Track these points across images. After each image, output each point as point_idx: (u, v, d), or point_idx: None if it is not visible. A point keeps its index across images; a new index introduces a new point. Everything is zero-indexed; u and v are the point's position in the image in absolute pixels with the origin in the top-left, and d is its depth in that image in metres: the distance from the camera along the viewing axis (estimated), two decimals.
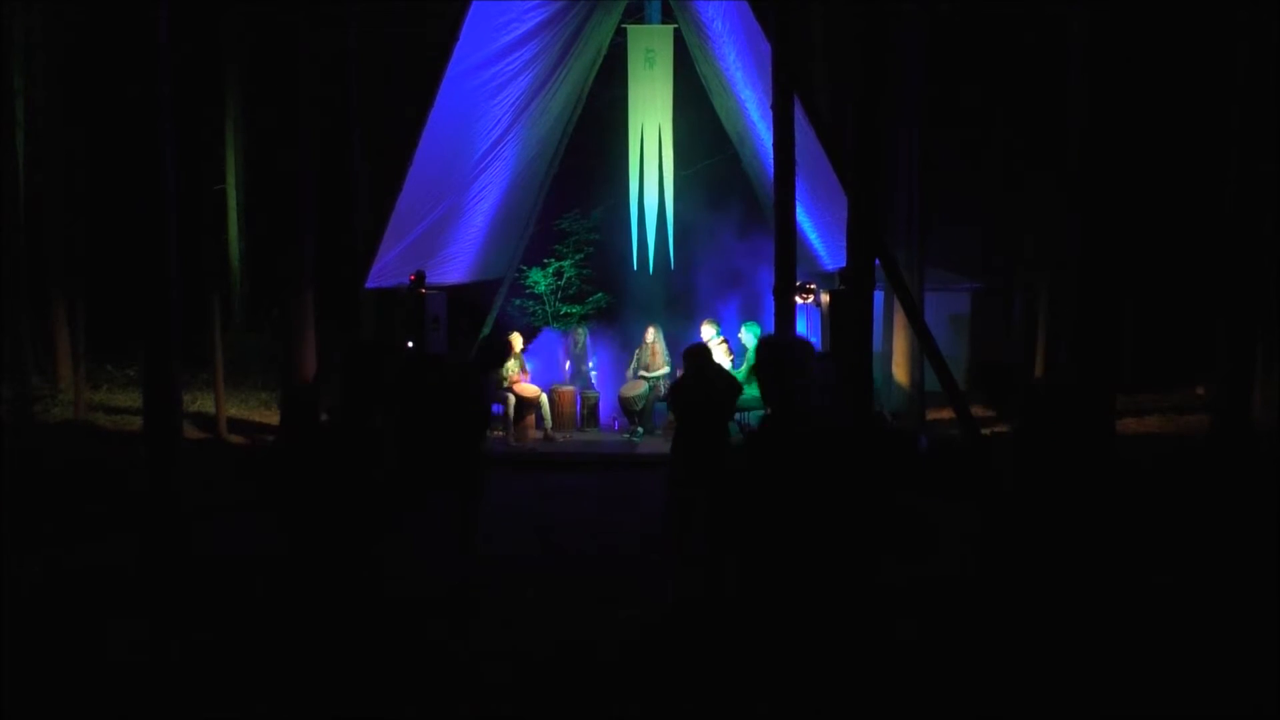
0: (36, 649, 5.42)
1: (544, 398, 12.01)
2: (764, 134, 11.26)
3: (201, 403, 14.40)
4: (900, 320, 12.32)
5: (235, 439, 12.40)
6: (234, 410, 13.89)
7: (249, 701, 4.62)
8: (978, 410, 8.95)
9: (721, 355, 11.69)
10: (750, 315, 12.41)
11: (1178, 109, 15.47)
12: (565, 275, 15.08)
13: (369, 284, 10.59)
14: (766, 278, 10.08)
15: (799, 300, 9.87)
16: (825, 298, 10.81)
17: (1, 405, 12.70)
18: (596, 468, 10.63)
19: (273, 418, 13.92)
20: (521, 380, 11.86)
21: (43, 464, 10.15)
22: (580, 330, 13.12)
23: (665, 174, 12.82)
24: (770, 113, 8.37)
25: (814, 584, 3.34)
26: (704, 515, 6.23)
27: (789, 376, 3.48)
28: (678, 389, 6.68)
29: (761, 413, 3.75)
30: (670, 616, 5.88)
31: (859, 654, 3.41)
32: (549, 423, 12.00)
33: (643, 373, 12.25)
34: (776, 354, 3.56)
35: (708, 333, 11.89)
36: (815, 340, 11.17)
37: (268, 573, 5.39)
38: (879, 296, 11.62)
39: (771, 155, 8.20)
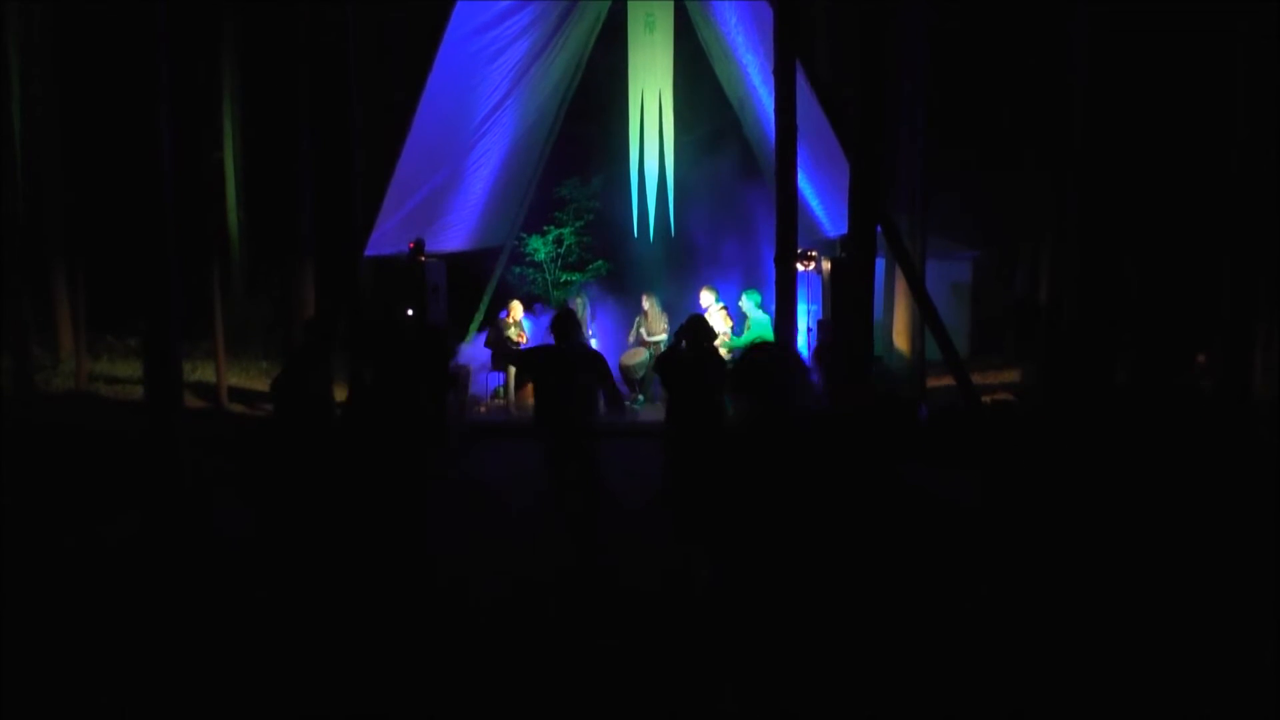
0: (35, 631, 5.40)
1: None
2: (765, 99, 11.17)
3: (202, 371, 14.41)
4: (901, 288, 12.28)
5: (237, 408, 12.42)
6: (235, 379, 13.89)
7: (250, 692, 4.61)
8: (979, 377, 8.97)
9: (720, 322, 11.68)
10: (751, 282, 12.37)
11: (1181, 76, 15.33)
12: (565, 243, 15.01)
13: (368, 252, 10.54)
14: (767, 245, 10.05)
15: (800, 268, 9.84)
16: (826, 265, 10.77)
17: (2, 375, 12.70)
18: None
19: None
20: (522, 348, 11.87)
21: (46, 435, 10.16)
22: (580, 298, 13.08)
23: (666, 140, 12.72)
24: (772, 78, 8.30)
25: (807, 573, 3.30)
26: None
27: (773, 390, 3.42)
28: (673, 364, 6.54)
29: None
30: (672, 594, 5.87)
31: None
32: None
33: (644, 333, 12.25)
34: (759, 367, 3.49)
35: (707, 299, 11.86)
36: (816, 309, 11.15)
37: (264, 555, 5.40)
38: (880, 264, 11.59)
39: (773, 121, 8.14)
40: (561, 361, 6.58)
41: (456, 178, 11.62)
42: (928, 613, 5.15)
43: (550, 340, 6.85)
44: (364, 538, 4.46)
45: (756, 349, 3.69)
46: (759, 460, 3.37)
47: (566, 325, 6.70)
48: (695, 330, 6.39)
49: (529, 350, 7.03)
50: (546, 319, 13.40)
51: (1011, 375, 15.25)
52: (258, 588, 5.70)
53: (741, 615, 3.38)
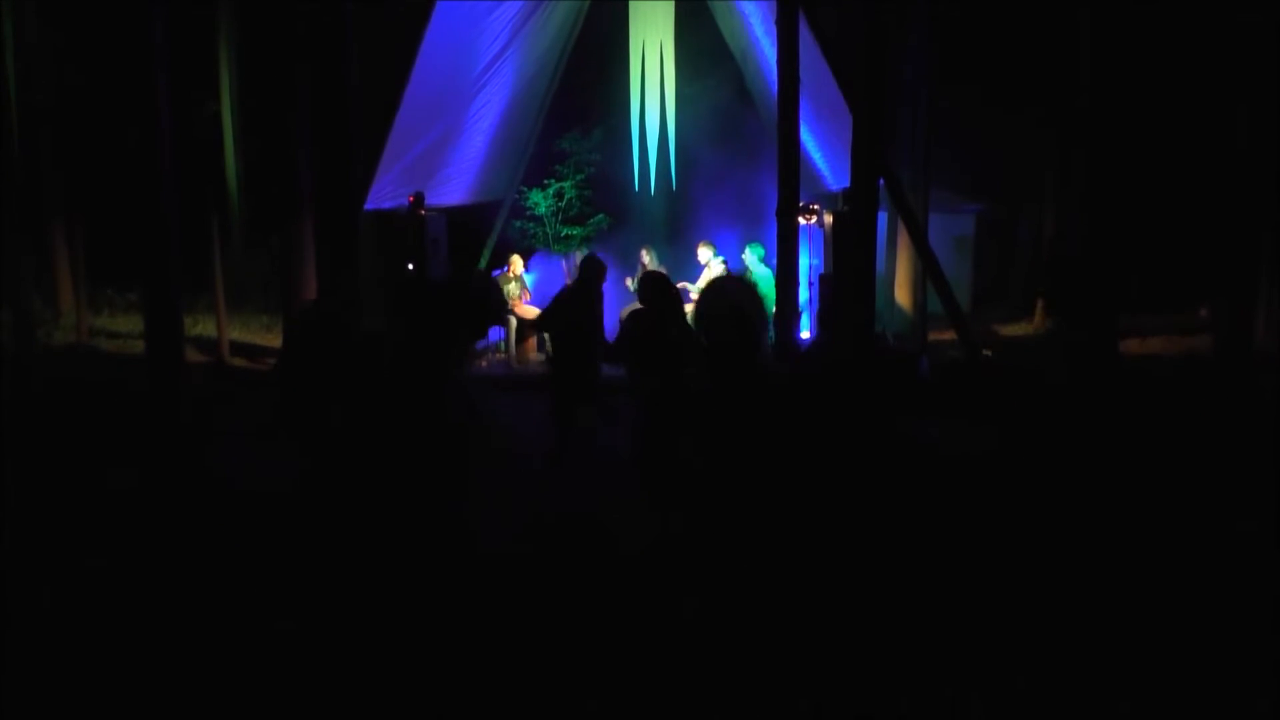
0: (39, 580, 5.41)
1: None
2: (768, 50, 11.04)
3: (203, 326, 14.41)
4: (904, 241, 12.22)
5: (238, 362, 12.44)
6: (236, 333, 13.90)
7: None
8: (979, 331, 8.97)
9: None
10: (753, 236, 12.31)
11: (1189, 28, 15.16)
12: (566, 196, 14.90)
13: (367, 205, 10.49)
14: (770, 198, 9.98)
15: (802, 221, 9.79)
16: (829, 218, 10.71)
17: (2, 329, 12.69)
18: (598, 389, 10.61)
19: (274, 340, 13.96)
20: (523, 302, 11.85)
21: (48, 389, 10.19)
22: (580, 252, 13.03)
23: (667, 92, 12.59)
24: (774, 29, 8.20)
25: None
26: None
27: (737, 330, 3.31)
28: (633, 336, 6.38)
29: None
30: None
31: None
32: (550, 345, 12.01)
33: None
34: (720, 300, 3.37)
35: (705, 255, 11.82)
36: (818, 263, 11.11)
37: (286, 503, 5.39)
38: (883, 217, 11.53)
39: (775, 72, 8.06)
40: (589, 310, 6.64)
41: (456, 130, 11.53)
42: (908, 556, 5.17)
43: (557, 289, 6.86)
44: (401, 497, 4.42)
45: (716, 281, 3.61)
46: (724, 413, 3.32)
47: (595, 273, 6.75)
48: (652, 287, 6.47)
49: (556, 300, 7.03)
50: (547, 267, 13.39)
51: (1014, 329, 15.26)
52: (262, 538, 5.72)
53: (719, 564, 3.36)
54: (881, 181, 7.75)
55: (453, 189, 12.17)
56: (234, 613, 4.92)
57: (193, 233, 11.03)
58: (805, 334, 10.36)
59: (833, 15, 13.99)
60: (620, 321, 6.70)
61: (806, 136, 11.26)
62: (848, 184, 8.33)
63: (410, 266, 10.23)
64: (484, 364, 11.88)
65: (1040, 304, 15.71)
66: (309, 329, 5.25)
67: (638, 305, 6.70)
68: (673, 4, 12.24)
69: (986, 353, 11.30)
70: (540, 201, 14.67)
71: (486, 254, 13.75)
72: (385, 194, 10.62)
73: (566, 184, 14.83)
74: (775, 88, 8.16)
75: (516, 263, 12.03)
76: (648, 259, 12.26)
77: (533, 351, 12.06)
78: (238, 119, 19.25)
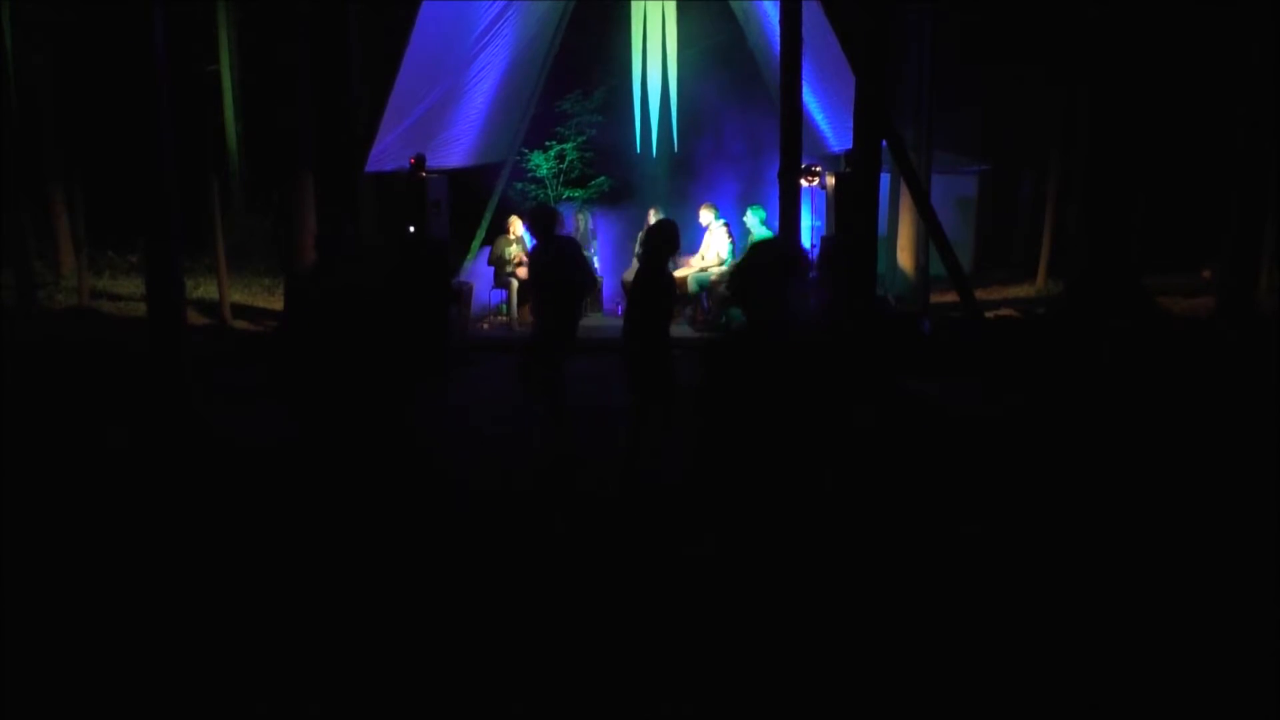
0: (38, 545, 5.41)
1: None
2: (770, 11, 10.94)
3: (205, 288, 14.39)
4: (906, 203, 12.18)
5: (239, 324, 12.44)
6: (237, 295, 13.90)
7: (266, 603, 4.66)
8: (983, 293, 8.97)
9: (722, 239, 11.63)
10: (755, 198, 12.27)
11: None
12: (567, 158, 14.85)
13: (368, 168, 10.44)
14: (771, 159, 9.95)
15: (804, 183, 9.75)
16: (831, 180, 10.68)
17: (3, 291, 12.69)
18: (599, 352, 10.64)
19: (276, 302, 13.96)
20: (524, 265, 11.83)
21: (50, 350, 10.20)
22: (582, 215, 12.99)
23: (669, 54, 12.50)
24: None
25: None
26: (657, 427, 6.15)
27: (773, 289, 3.29)
28: (641, 284, 6.26)
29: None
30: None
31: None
32: None
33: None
34: (763, 265, 3.37)
35: (706, 217, 11.79)
36: (820, 225, 11.09)
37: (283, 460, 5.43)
38: (885, 179, 11.47)
39: (778, 33, 7.99)
40: (552, 262, 6.63)
41: (457, 93, 11.45)
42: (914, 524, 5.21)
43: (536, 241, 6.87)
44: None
45: (760, 248, 3.59)
46: (741, 369, 3.31)
47: (548, 222, 6.72)
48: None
49: (533, 260, 7.02)
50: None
51: (1017, 291, 15.24)
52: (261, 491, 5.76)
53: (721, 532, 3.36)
54: (884, 143, 7.71)
55: (454, 151, 12.11)
56: (229, 571, 4.98)
57: (193, 194, 11.01)
58: None
59: None
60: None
61: (809, 98, 11.19)
62: (850, 145, 8.29)
63: (411, 229, 10.21)
64: (485, 326, 11.90)
65: (1043, 266, 15.72)
66: (306, 295, 5.25)
67: (637, 266, 6.69)
68: None
69: (1013, 314, 11.33)
70: (542, 163, 14.63)
71: (488, 216, 13.71)
72: (387, 157, 10.57)
73: (568, 146, 14.78)
74: (778, 48, 8.09)
75: (516, 224, 12.00)
76: (654, 220, 12.25)
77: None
78: (237, 78, 19.12)
